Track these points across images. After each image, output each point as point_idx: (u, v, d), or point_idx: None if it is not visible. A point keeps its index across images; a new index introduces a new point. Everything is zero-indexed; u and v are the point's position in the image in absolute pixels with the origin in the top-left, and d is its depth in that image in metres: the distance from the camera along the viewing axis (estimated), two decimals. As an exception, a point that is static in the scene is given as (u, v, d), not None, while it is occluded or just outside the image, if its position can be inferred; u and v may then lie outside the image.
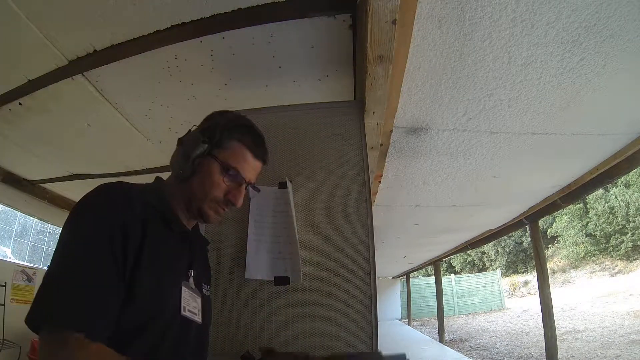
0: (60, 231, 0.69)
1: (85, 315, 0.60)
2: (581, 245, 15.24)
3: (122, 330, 0.64)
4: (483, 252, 20.55)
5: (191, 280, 0.81)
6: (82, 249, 0.65)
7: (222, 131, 0.82)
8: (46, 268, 0.66)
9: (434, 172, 2.65)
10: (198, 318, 0.80)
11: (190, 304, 0.78)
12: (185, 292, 0.77)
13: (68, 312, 0.60)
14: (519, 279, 17.43)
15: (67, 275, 0.63)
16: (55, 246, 0.68)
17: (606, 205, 14.59)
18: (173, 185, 0.84)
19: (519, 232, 15.38)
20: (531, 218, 3.98)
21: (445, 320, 8.84)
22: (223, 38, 1.42)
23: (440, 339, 8.46)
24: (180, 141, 0.83)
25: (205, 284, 0.91)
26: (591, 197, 14.62)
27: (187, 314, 0.76)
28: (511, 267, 19.08)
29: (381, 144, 2.02)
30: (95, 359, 0.59)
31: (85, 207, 0.70)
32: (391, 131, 2.03)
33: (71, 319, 0.59)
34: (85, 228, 0.67)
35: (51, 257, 0.66)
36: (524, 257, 18.62)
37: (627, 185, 14.22)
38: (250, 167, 0.85)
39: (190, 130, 0.85)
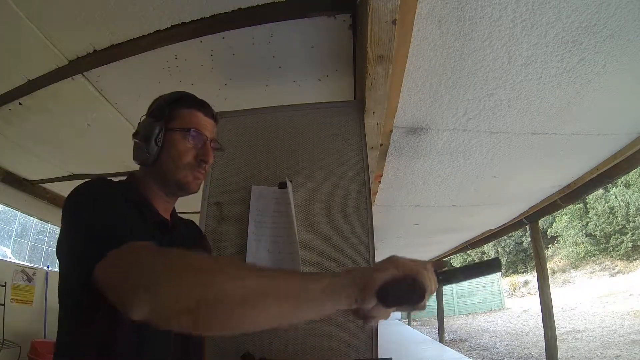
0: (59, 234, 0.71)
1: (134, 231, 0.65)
2: (581, 245, 15.25)
3: (100, 326, 0.65)
4: (483, 252, 20.51)
5: None
6: (101, 211, 0.67)
7: (169, 105, 0.87)
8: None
9: (434, 172, 2.65)
10: None
11: None
12: None
13: (123, 232, 0.63)
14: (519, 279, 17.44)
15: (101, 224, 0.64)
16: (60, 243, 0.69)
17: (606, 205, 14.60)
18: (143, 176, 0.87)
19: (519, 232, 15.37)
20: (531, 218, 3.98)
21: (445, 320, 8.85)
22: (223, 38, 1.42)
23: (440, 339, 8.46)
24: (135, 134, 0.87)
25: None
26: (591, 197, 14.63)
27: None
28: (511, 267, 19.08)
29: (381, 144, 2.02)
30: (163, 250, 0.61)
31: (83, 196, 0.72)
32: (391, 131, 2.03)
33: (127, 236, 0.62)
34: (94, 205, 0.69)
35: (62, 247, 0.68)
36: (524, 257, 18.63)
37: (627, 185, 14.22)
38: (206, 125, 0.89)
39: (139, 122, 0.89)
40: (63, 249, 0.70)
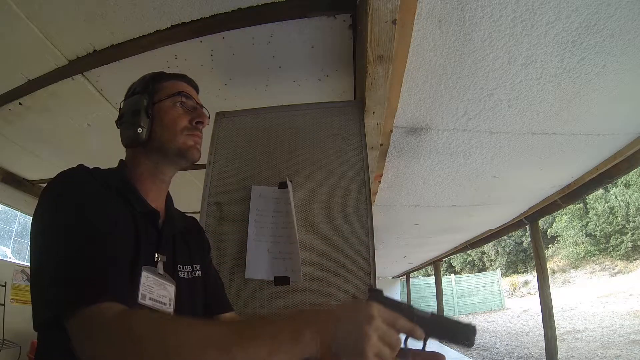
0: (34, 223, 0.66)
1: (110, 280, 0.58)
2: (581, 245, 15.24)
3: None
4: (483, 252, 20.53)
5: (160, 265, 0.74)
6: (75, 226, 0.61)
7: (152, 81, 0.84)
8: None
9: (434, 172, 2.65)
10: (168, 307, 0.72)
11: (155, 292, 0.71)
12: (148, 279, 0.69)
13: (94, 283, 0.56)
14: (519, 278, 17.42)
15: (71, 253, 0.58)
16: (33, 237, 0.63)
17: (606, 205, 14.59)
18: (133, 160, 0.81)
19: (519, 232, 15.36)
20: (531, 218, 3.98)
21: (445, 320, 8.83)
22: (223, 38, 1.42)
23: (440, 339, 8.45)
24: (119, 117, 0.83)
25: (186, 265, 0.83)
26: (591, 197, 14.62)
27: (148, 302, 0.68)
28: (511, 267, 19.06)
29: (381, 144, 2.02)
30: (138, 316, 0.55)
31: (57, 191, 0.67)
32: (391, 131, 2.03)
33: (100, 289, 0.56)
34: (67, 206, 0.64)
35: (35, 248, 0.62)
36: (524, 257, 18.61)
37: (627, 185, 14.21)
38: (191, 92, 0.87)
39: (120, 108, 0.85)
40: (38, 249, 0.63)
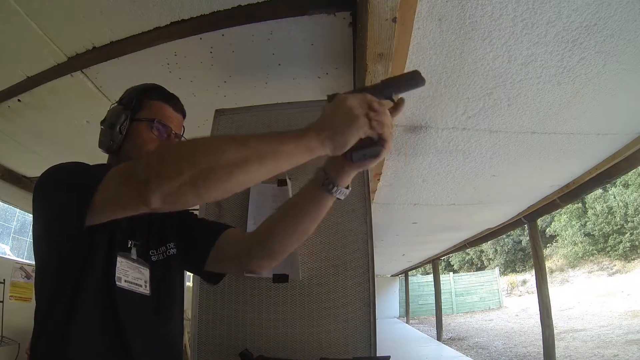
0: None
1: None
2: (579, 244, 15.27)
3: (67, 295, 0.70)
4: (481, 251, 20.56)
5: (133, 251, 0.82)
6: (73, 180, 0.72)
7: (139, 96, 0.89)
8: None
9: (433, 170, 2.66)
10: (144, 289, 0.80)
11: (130, 275, 0.78)
12: (122, 263, 0.77)
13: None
14: (518, 277, 17.47)
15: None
16: (41, 221, 0.74)
17: (605, 205, 14.61)
18: (110, 162, 0.89)
19: (518, 231, 15.42)
20: (530, 217, 3.99)
21: (443, 318, 8.87)
22: (223, 35, 1.42)
23: (439, 337, 8.49)
24: (102, 121, 0.89)
25: (159, 247, 0.88)
26: (590, 197, 14.63)
27: (124, 284, 0.76)
28: (509, 266, 19.10)
29: (381, 143, 2.02)
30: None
31: (59, 170, 0.77)
32: (391, 129, 2.03)
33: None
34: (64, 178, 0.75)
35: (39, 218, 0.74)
36: (522, 256, 18.65)
37: (626, 185, 14.23)
38: (173, 119, 0.91)
39: (109, 110, 0.90)
40: (45, 223, 0.73)
